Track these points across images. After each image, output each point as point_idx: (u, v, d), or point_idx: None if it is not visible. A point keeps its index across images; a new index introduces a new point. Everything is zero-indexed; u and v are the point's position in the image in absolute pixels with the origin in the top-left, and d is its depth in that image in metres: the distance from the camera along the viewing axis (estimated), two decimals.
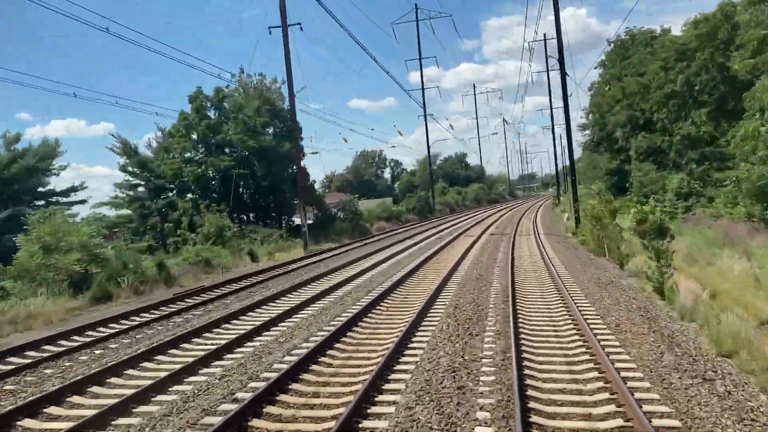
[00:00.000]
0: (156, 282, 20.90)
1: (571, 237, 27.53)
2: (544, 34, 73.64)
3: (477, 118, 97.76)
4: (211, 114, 42.81)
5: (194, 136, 42.32)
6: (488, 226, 38.95)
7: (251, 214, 44.36)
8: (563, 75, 26.62)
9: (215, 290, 18.17)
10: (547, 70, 66.60)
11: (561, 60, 27.17)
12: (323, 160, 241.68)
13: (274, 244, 32.29)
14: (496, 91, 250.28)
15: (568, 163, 35.78)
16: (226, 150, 41.97)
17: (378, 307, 13.22)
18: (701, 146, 25.83)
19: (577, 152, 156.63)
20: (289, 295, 15.98)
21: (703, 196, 23.91)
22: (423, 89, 62.19)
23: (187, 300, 16.58)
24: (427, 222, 53.77)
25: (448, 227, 42.47)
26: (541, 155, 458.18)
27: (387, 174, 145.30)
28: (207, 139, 41.17)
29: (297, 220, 52.41)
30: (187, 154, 41.98)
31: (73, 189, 46.74)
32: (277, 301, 15.25)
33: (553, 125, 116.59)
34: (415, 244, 30.00)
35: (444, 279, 15.94)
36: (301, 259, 26.18)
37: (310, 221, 49.70)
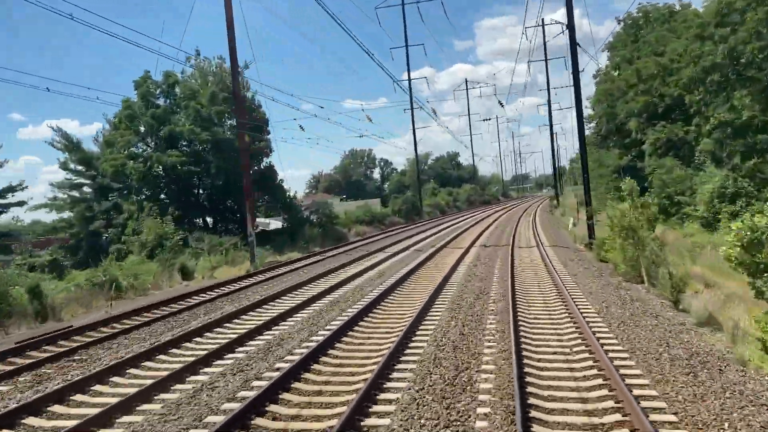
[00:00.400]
0: (24, 316, 15.24)
1: (584, 250, 22.03)
2: (542, 19, 68.17)
3: (469, 114, 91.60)
4: (162, 102, 37.07)
5: (142, 128, 36.57)
6: (481, 233, 33.44)
7: (209, 219, 38.63)
8: (573, 42, 21.08)
9: (74, 337, 12.43)
10: (546, 57, 61.16)
11: (570, 20, 21.64)
12: (311, 159, 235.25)
13: (221, 256, 26.59)
14: (489, 86, 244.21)
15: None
16: (182, 144, 36.27)
17: (294, 392, 7.60)
18: (748, 134, 20.52)
19: (574, 146, 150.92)
20: (163, 356, 10.25)
21: (756, 198, 18.53)
22: (409, 76, 56.49)
23: None
24: (412, 226, 48.26)
25: (434, 233, 36.95)
26: (535, 156, 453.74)
27: (377, 174, 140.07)
28: (154, 132, 35.41)
29: (269, 224, 46.74)
30: (133, 149, 36.21)
31: (11, 189, 40.77)
32: (136, 368, 9.53)
33: (551, 121, 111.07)
34: (388, 258, 24.41)
35: (407, 332, 10.29)
36: (242, 279, 20.54)
37: (277, 225, 44.19)
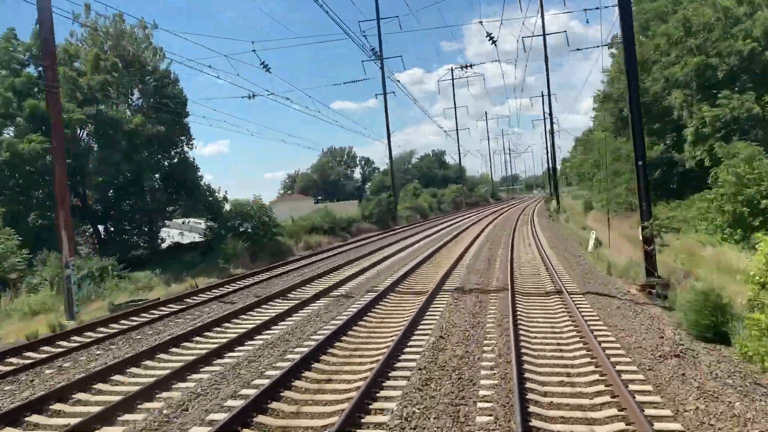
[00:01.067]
0: None
1: (642, 297, 12.59)
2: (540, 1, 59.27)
3: (455, 107, 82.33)
4: (32, 71, 27.29)
5: None
6: (465, 250, 24.06)
7: (101, 227, 28.90)
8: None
9: None
10: (545, 38, 52.16)
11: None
12: (289, 157, 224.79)
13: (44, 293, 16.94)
14: (477, 76, 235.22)
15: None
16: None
17: None
18: None
19: (566, 147, 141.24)
20: None
21: None
22: (381, 51, 47.12)
23: None
24: (383, 235, 38.87)
25: (404, 248, 27.58)
26: (525, 157, 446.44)
27: (358, 174, 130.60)
28: (15, 109, 25.64)
29: (187, 235, 36.95)
30: None
31: None
32: None
33: (551, 111, 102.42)
34: (324, 294, 15.04)
35: None
36: (33, 347, 11.05)
37: (199, 238, 34.56)
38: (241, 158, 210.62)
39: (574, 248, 23.06)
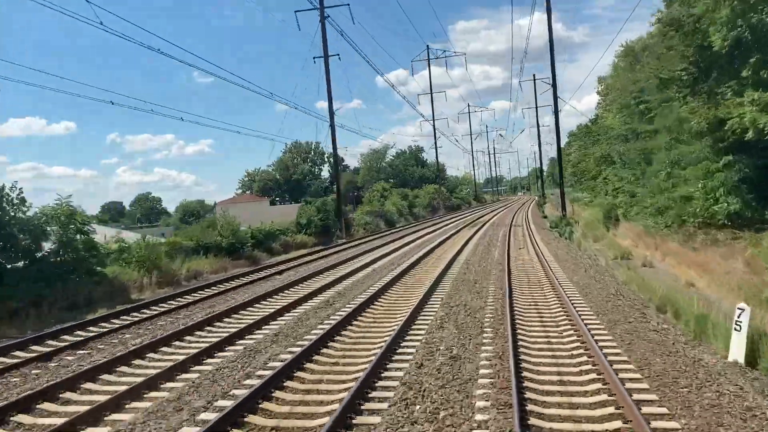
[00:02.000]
0: None
1: None
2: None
3: (432, 90, 69.33)
4: None
5: None
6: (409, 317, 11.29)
7: None
8: None
9: None
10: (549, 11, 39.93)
11: None
12: (245, 153, 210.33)
13: None
14: (459, 55, 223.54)
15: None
16: None
17: None
18: None
19: (553, 150, 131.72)
20: None
21: None
22: None
23: None
24: (311, 258, 26.10)
25: (315, 293, 14.80)
26: (509, 158, 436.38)
27: (326, 172, 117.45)
28: None
29: None
30: None
31: None
32: None
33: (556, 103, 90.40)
34: None
35: None
36: None
37: None
38: (223, 157, 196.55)
39: (607, 288, 10.39)
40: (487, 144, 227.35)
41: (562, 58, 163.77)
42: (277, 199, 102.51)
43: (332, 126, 35.56)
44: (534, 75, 67.81)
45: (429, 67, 71.41)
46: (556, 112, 42.07)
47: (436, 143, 71.26)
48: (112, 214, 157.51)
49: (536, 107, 70.43)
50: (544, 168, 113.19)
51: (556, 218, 33.69)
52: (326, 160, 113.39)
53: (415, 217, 62.73)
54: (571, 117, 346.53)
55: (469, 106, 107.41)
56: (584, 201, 64.04)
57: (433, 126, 64.77)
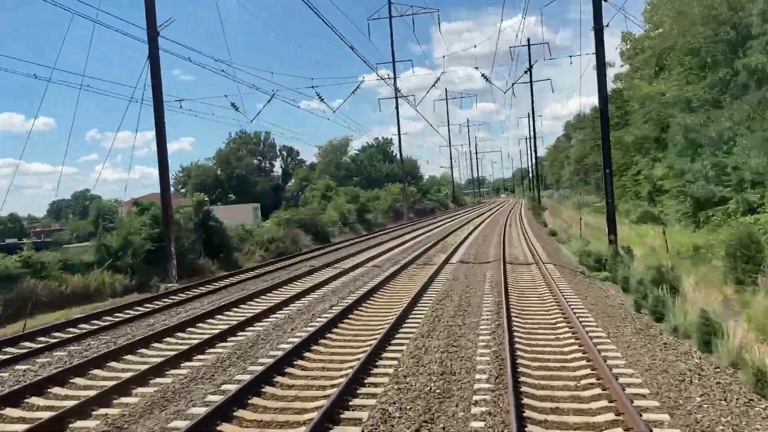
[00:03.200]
0: None
1: None
2: None
3: (393, 59, 53.59)
4: None
5: None
6: None
7: None
8: None
9: None
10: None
11: None
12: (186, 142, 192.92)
13: None
14: (430, 12, 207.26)
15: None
16: None
17: None
18: None
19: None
20: None
21: None
22: None
23: None
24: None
25: None
26: (493, 158, 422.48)
27: (279, 167, 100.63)
28: None
29: None
30: None
31: None
32: None
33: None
34: None
35: None
36: None
37: None
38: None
39: None
40: (468, 141, 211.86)
41: (545, 62, 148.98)
42: (218, 198, 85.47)
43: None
44: (529, 39, 51.73)
45: (391, 33, 55.12)
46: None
47: (400, 141, 54.65)
48: (56, 214, 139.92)
49: (531, 82, 54.60)
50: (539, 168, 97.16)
51: (604, 254, 16.50)
52: (279, 153, 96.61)
53: (368, 226, 46.35)
54: (554, 120, 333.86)
55: (446, 91, 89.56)
56: (596, 206, 48.09)
57: (395, 93, 48.38)
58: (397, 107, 60.26)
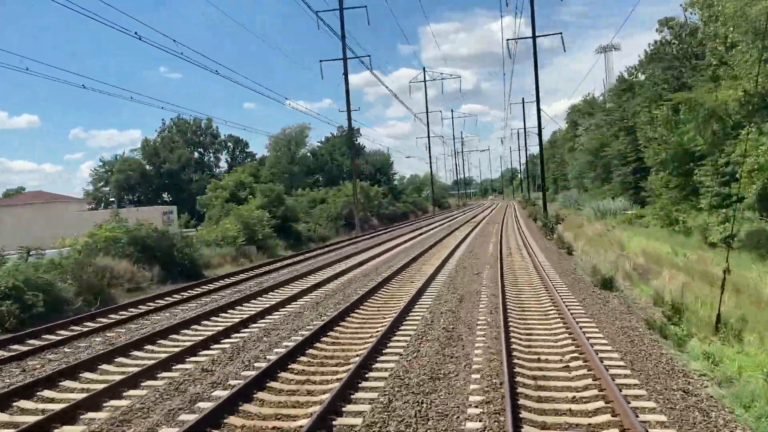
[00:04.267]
0: None
1: None
2: None
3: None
4: None
5: None
6: None
7: None
8: None
9: None
10: None
11: None
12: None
13: None
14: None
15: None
16: None
17: None
18: None
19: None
20: None
21: None
22: None
23: None
24: None
25: None
26: (480, 157, 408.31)
27: (224, 161, 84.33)
28: None
29: None
30: None
31: None
32: None
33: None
34: None
35: None
36: None
37: None
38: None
39: None
40: (452, 137, 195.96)
41: (532, 63, 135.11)
42: (147, 199, 69.33)
43: None
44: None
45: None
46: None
47: (349, 116, 39.05)
48: None
49: (536, 68, 39.88)
50: (540, 165, 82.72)
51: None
52: (224, 144, 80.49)
53: (298, 242, 30.82)
54: (536, 122, 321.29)
55: (424, 70, 73.78)
56: (627, 215, 32.99)
57: (347, 95, 33.04)
58: (347, 96, 43.65)
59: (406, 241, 30.17)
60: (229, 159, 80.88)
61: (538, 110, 36.22)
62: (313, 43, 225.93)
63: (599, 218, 34.15)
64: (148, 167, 73.01)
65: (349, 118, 39.39)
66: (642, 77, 37.38)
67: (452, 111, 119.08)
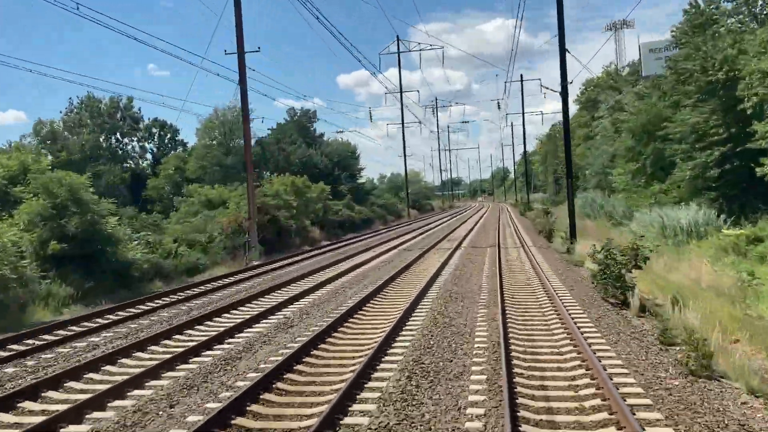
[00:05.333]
0: None
1: None
2: None
3: None
4: None
5: None
6: None
7: None
8: None
9: None
10: None
11: None
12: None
13: None
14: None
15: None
16: None
17: None
18: None
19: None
20: None
21: None
22: None
23: None
24: None
25: None
26: (469, 155, 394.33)
27: (150, 151, 67.99)
28: None
29: None
30: None
31: None
32: None
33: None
34: None
35: None
36: None
37: None
38: None
39: None
40: (437, 132, 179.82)
41: (522, 65, 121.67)
42: None
43: None
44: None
45: None
46: None
47: (240, 29, 23.44)
48: None
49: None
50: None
51: None
52: (146, 129, 64.54)
53: (120, 284, 15.66)
54: (529, 125, 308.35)
55: (398, 39, 57.48)
56: (737, 237, 17.82)
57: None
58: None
59: (320, 286, 14.98)
60: (154, 147, 65.03)
61: (563, 54, 21.14)
62: None
63: (672, 239, 19.20)
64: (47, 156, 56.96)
65: (241, 56, 23.81)
66: (729, 5, 22.79)
67: (436, 99, 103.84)
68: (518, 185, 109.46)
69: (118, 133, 61.96)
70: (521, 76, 67.58)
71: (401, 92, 56.98)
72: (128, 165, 61.90)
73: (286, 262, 22.80)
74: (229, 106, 55.52)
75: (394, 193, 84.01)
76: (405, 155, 60.29)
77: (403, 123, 58.67)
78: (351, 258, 22.58)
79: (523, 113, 62.90)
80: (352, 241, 34.15)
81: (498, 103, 64.35)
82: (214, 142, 55.73)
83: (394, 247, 26.36)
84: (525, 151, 67.76)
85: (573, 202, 21.20)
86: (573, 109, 65.36)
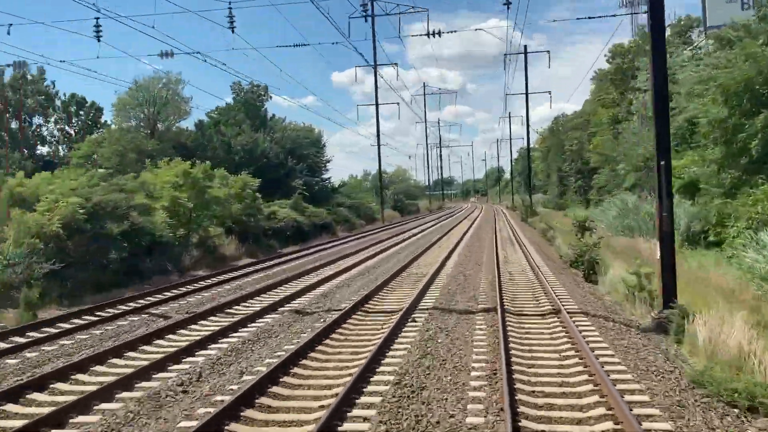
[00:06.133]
0: None
1: None
2: None
3: None
4: None
5: None
6: None
7: None
8: None
9: None
10: None
11: None
12: None
13: None
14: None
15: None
16: None
17: None
18: None
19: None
20: None
21: None
22: None
23: None
24: None
25: None
26: (461, 153, 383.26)
27: (68, 131, 54.73)
28: None
29: None
30: None
31: None
32: None
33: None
34: None
35: None
36: None
37: None
38: None
39: None
40: (425, 129, 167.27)
41: (517, 66, 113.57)
42: None
43: None
44: None
45: None
46: None
47: None
48: None
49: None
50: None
51: None
52: (65, 108, 52.11)
53: None
54: (521, 127, 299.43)
55: (372, 4, 45.07)
56: None
57: None
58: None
59: None
60: (73, 128, 52.71)
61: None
62: None
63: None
64: None
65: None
66: None
67: (424, 85, 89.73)
68: (515, 185, 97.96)
69: (24, 111, 49.67)
70: (525, 47, 55.92)
71: (375, 65, 45.13)
72: (40, 152, 49.81)
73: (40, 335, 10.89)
74: (154, 76, 43.40)
75: (376, 193, 72.34)
76: (379, 143, 48.24)
77: (377, 102, 46.74)
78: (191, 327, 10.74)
79: (527, 94, 51.26)
80: (268, 264, 22.07)
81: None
82: (133, 122, 43.70)
83: (302, 292, 14.46)
84: (528, 138, 56.02)
85: (672, 217, 9.41)
86: (589, 86, 54.11)
